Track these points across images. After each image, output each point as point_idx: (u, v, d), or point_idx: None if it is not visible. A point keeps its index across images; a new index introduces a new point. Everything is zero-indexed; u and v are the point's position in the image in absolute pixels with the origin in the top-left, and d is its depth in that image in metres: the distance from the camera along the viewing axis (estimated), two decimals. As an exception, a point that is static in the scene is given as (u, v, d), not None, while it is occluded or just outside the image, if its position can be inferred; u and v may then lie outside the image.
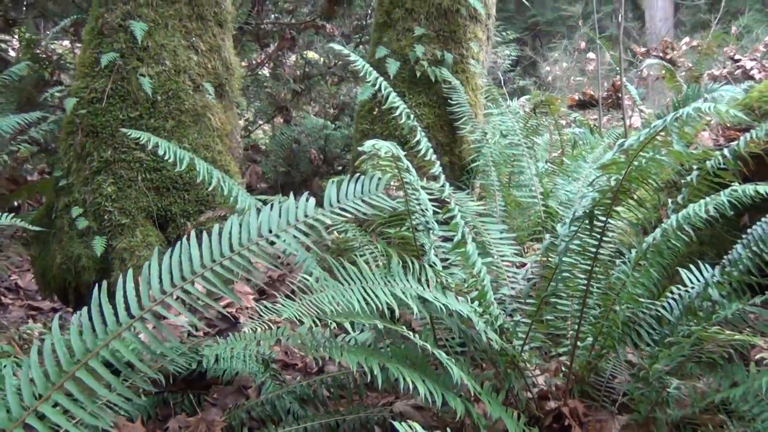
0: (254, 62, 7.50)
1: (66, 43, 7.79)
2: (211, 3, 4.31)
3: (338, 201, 1.99)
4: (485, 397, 2.74)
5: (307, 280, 2.60)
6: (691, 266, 3.21)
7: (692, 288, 3.11)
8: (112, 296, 1.92)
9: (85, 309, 1.82)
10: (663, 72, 7.36)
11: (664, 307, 3.12)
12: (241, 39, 7.16)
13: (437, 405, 2.63)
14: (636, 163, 2.61)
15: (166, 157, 3.18)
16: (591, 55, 14.57)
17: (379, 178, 2.15)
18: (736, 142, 3.00)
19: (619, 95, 9.47)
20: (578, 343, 3.08)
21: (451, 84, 4.45)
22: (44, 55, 6.11)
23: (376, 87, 3.19)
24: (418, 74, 4.49)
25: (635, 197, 2.79)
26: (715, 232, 3.80)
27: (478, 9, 4.54)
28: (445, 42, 4.59)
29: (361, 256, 2.78)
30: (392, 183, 2.78)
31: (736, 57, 8.52)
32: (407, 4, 4.61)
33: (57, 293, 4.29)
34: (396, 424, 2.37)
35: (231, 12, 4.46)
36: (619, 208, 2.80)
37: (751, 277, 3.03)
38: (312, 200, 1.90)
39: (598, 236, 2.83)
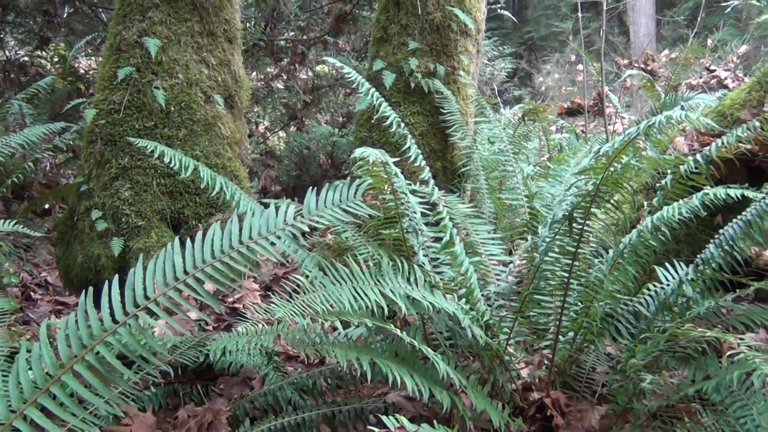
0: (270, 75, 7.41)
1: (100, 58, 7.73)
2: (221, 20, 4.21)
3: (317, 208, 1.86)
4: (471, 390, 2.65)
5: (301, 281, 2.51)
6: (667, 264, 3.12)
7: (668, 285, 3.02)
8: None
9: (72, 314, 1.70)
10: (643, 82, 7.24)
11: (641, 303, 3.03)
12: (257, 54, 7.08)
13: (425, 398, 2.53)
14: (612, 168, 2.50)
15: (172, 165, 3.08)
16: (580, 66, 14.50)
17: (357, 186, 2.03)
18: (708, 148, 2.89)
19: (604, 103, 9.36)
20: (560, 337, 2.98)
21: (443, 94, 4.34)
22: (72, 69, 6.04)
23: (369, 97, 3.08)
24: (413, 85, 4.39)
25: (612, 201, 2.67)
26: (690, 232, 3.70)
27: (468, 24, 4.42)
28: (437, 55, 4.48)
29: (355, 256, 2.66)
30: (383, 188, 2.68)
31: (712, 67, 8.39)
32: (402, 21, 4.50)
33: (79, 290, 4.20)
34: (384, 418, 2.26)
35: (239, 28, 4.35)
36: (597, 211, 2.69)
37: (723, 274, 2.95)
38: (292, 208, 1.78)
39: (577, 237, 2.72)
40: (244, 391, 3.40)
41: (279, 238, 1.71)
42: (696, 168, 2.89)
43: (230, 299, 3.93)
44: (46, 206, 5.31)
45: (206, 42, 4.16)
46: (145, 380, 3.12)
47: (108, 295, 1.68)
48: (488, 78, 14.03)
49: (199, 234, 1.73)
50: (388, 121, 3.02)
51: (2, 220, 3.29)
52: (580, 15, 5.75)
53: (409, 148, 3.03)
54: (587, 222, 2.69)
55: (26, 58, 7.19)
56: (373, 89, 3.06)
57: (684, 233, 3.73)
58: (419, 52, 4.43)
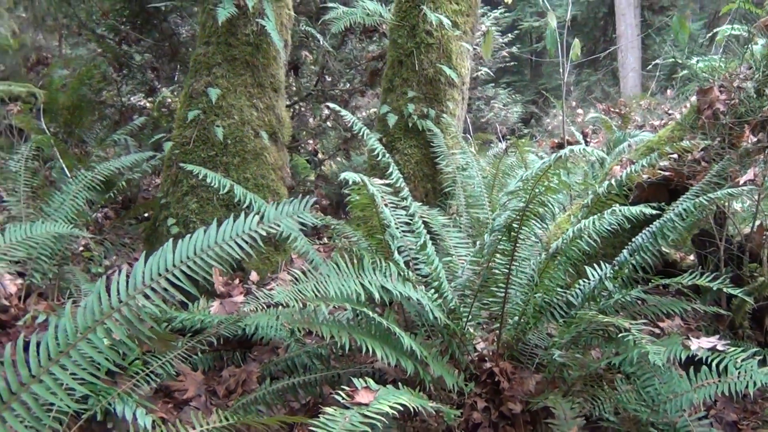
0: (322, 117, 7.48)
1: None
2: (268, 75, 4.26)
3: (274, 218, 1.88)
4: (430, 359, 2.65)
5: (298, 274, 2.53)
6: (595, 264, 3.07)
7: (592, 281, 2.97)
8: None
9: (90, 296, 1.73)
10: (604, 122, 7.15)
11: (572, 295, 2.99)
12: (311, 101, 7.15)
13: (392, 365, 2.54)
14: (536, 190, 2.48)
15: (213, 185, 3.12)
16: (580, 110, 14.43)
17: (306, 201, 2.04)
18: (622, 173, 2.85)
19: (587, 139, 9.27)
20: (509, 320, 2.95)
21: (433, 132, 4.34)
22: (168, 111, 6.19)
23: (365, 137, 3.09)
24: (410, 125, 4.39)
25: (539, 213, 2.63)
26: (623, 240, 3.64)
27: (454, 78, 4.42)
28: (429, 102, 4.48)
29: (343, 256, 2.67)
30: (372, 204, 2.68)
31: (670, 111, 8.28)
32: (404, 75, 4.51)
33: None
34: (354, 379, 2.27)
35: (283, 81, 4.40)
36: (528, 221, 2.66)
37: (639, 274, 2.92)
38: (256, 218, 1.80)
39: (513, 242, 2.69)
40: (272, 357, 3.42)
41: (243, 240, 1.72)
42: (611, 190, 2.85)
43: (269, 287, 3.96)
44: (146, 214, 5.41)
45: (256, 91, 4.21)
46: (196, 348, 3.17)
47: (117, 282, 1.71)
48: (503, 119, 14.00)
49: (188, 236, 1.76)
50: (376, 152, 3.04)
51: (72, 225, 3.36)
52: (564, 75, 5.69)
53: (391, 173, 3.04)
54: (521, 230, 2.67)
55: (141, 102, 7.35)
56: (366, 128, 3.08)
57: (619, 241, 3.67)
58: (416, 99, 4.44)
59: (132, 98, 7.18)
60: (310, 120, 7.66)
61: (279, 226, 1.84)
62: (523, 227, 2.64)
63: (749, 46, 3.19)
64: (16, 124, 5.82)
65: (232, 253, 1.71)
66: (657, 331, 3.50)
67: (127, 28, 6.50)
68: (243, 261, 4.02)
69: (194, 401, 3.16)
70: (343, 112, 2.97)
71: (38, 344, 1.64)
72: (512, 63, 15.64)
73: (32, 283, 3.49)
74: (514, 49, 13.54)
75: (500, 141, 8.98)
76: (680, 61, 3.45)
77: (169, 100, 6.79)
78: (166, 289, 1.70)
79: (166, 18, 6.55)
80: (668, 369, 2.75)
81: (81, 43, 7.59)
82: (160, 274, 1.70)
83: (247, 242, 1.74)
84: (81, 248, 4.35)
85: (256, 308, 2.87)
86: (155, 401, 3.06)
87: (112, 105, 6.77)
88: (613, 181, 2.79)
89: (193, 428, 2.29)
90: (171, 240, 1.76)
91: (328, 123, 7.51)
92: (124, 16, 6.51)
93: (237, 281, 4.00)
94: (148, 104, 7.07)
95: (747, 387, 2.40)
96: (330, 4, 4.49)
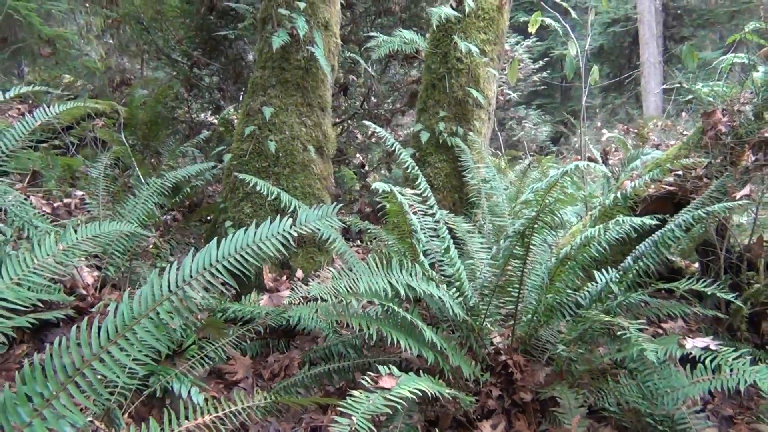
0: (367, 134, 7.52)
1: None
2: (317, 96, 4.31)
3: (306, 221, 1.91)
4: (449, 351, 2.66)
5: (333, 272, 2.57)
6: (603, 270, 3.04)
7: (599, 284, 2.94)
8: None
9: (145, 286, 1.77)
10: (619, 141, 7.04)
11: (581, 296, 2.96)
12: (358, 120, 7.19)
13: (414, 354, 2.55)
14: (547, 201, 2.47)
15: (262, 192, 3.17)
16: (605, 131, 14.21)
17: (334, 206, 2.07)
18: (627, 187, 2.82)
19: (607, 157, 9.14)
20: (523, 318, 2.94)
21: (461, 148, 4.34)
22: (231, 126, 6.28)
23: (398, 152, 3.12)
24: (441, 141, 4.41)
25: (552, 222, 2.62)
26: (631, 247, 3.59)
27: (481, 100, 4.41)
28: (458, 120, 4.48)
29: (374, 257, 2.69)
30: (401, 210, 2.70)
31: (684, 132, 8.10)
32: (436, 97, 4.53)
33: (217, 275, 4.34)
34: (379, 366, 2.29)
35: (329, 101, 4.43)
36: (539, 229, 2.65)
37: (640, 278, 2.87)
38: (289, 221, 1.83)
39: (526, 248, 2.68)
40: (312, 345, 3.45)
41: (278, 240, 1.76)
42: (617, 202, 2.82)
43: (311, 283, 4.00)
44: (208, 217, 5.51)
45: (305, 110, 4.26)
46: (245, 335, 3.23)
47: (167, 274, 1.75)
48: (533, 137, 13.90)
49: (231, 235, 1.80)
50: (406, 164, 3.06)
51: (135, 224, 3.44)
52: (583, 99, 5.62)
53: (419, 184, 3.05)
54: (533, 237, 2.66)
55: (208, 119, 7.48)
56: (398, 144, 3.10)
57: (627, 249, 3.62)
58: (446, 118, 4.45)
59: (201, 115, 7.31)
60: (358, 136, 7.73)
61: (315, 229, 1.87)
62: (534, 234, 2.63)
63: (750, 73, 3.13)
64: (99, 136, 5.99)
65: (268, 252, 1.74)
66: (660, 331, 3.45)
67: (198, 54, 6.63)
68: (290, 259, 4.07)
69: (242, 383, 3.21)
70: (379, 130, 3.01)
71: (99, 327, 1.69)
72: (543, 87, 15.51)
73: (107, 275, 3.59)
74: (545, 74, 13.46)
75: (529, 157, 8.90)
76: (686, 86, 3.40)
77: (233, 117, 6.90)
78: (210, 282, 1.73)
79: (231, 45, 6.67)
80: (667, 366, 2.72)
81: (159, 66, 7.76)
82: (205, 268, 1.74)
83: (280, 242, 1.77)
84: (151, 246, 4.45)
85: (299, 301, 2.91)
86: (208, 382, 3.12)
87: (183, 121, 6.90)
88: (619, 194, 2.77)
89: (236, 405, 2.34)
90: (216, 238, 1.81)
91: (373, 139, 7.54)
92: (196, 43, 6.65)
93: (284, 278, 4.05)
94: (214, 120, 7.18)
95: (738, 383, 2.36)
96: (372, 34, 4.53)
